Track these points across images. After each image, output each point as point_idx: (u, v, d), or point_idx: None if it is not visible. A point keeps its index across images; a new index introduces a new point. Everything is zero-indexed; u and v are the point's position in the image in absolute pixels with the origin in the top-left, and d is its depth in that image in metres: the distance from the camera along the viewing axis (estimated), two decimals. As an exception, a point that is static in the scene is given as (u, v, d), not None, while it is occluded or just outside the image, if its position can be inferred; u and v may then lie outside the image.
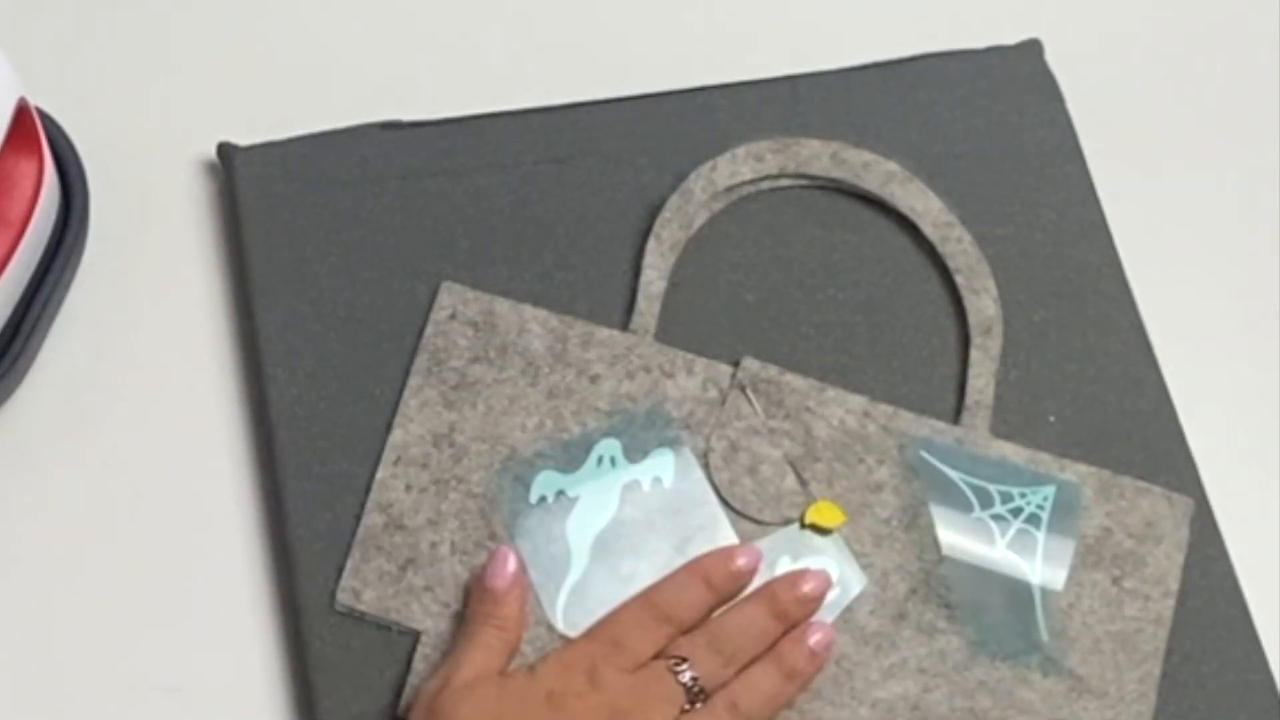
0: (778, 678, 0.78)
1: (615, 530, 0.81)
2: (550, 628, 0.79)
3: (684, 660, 0.77)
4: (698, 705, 0.76)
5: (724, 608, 0.80)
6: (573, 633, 0.79)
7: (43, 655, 0.80)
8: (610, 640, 0.77)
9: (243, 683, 0.80)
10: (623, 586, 0.80)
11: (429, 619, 0.79)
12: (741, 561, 0.79)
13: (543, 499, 0.81)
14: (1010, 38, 0.93)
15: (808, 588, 0.79)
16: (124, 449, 0.83)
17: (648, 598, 0.78)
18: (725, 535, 0.81)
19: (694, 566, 0.79)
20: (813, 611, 0.80)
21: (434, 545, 0.80)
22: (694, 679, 0.76)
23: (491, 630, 0.77)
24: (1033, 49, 0.92)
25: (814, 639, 0.79)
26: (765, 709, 0.77)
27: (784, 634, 0.79)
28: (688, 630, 0.78)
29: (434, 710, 0.75)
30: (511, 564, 0.78)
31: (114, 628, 0.80)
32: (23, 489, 0.82)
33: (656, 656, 0.77)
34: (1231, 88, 0.95)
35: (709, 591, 0.79)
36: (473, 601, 0.78)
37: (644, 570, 0.80)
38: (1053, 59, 0.92)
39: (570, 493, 0.81)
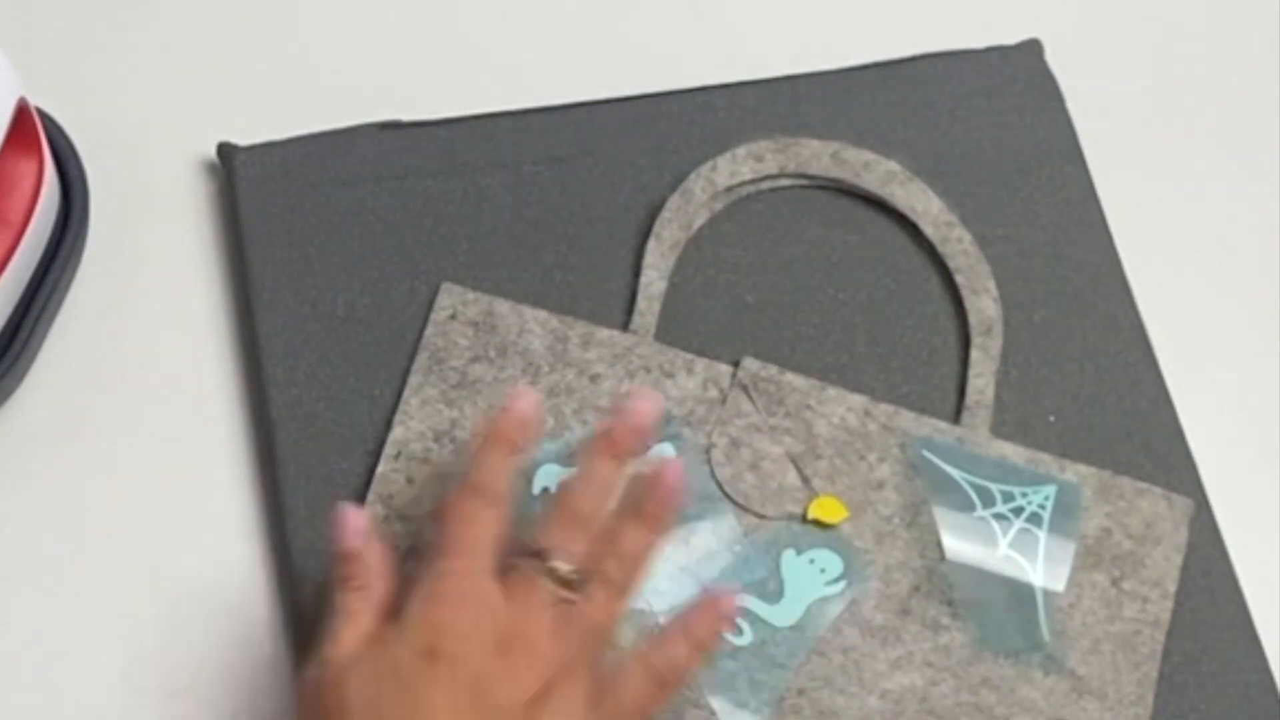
0: (642, 532, 0.74)
1: (618, 521, 0.81)
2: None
3: (548, 553, 0.72)
4: (575, 592, 0.72)
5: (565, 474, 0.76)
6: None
7: (42, 655, 0.80)
8: (454, 549, 0.72)
9: (243, 683, 0.80)
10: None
11: (433, 605, 0.79)
12: (522, 405, 0.76)
13: (545, 490, 0.81)
14: (1010, 38, 0.93)
15: (639, 415, 0.75)
16: (124, 449, 0.83)
17: (464, 485, 0.74)
18: (729, 527, 0.81)
19: (489, 437, 0.75)
20: (649, 437, 0.76)
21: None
22: (564, 570, 0.72)
23: (353, 594, 0.73)
24: (1033, 49, 0.93)
25: (666, 480, 0.74)
26: (636, 569, 0.74)
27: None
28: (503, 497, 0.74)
29: (319, 698, 0.71)
30: (358, 520, 0.74)
31: (114, 628, 0.80)
32: (23, 489, 0.82)
33: (530, 554, 0.73)
34: (1232, 88, 0.95)
35: (511, 454, 0.75)
36: (333, 572, 0.74)
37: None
38: (1053, 59, 0.93)
39: (573, 484, 0.81)
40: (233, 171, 0.87)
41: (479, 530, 0.73)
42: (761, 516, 0.81)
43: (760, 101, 0.90)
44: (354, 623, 0.72)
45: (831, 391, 0.84)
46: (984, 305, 0.87)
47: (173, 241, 0.87)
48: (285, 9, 0.93)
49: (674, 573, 0.80)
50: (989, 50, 0.93)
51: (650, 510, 0.74)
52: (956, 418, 0.85)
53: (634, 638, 0.78)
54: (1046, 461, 0.83)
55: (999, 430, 0.85)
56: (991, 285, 0.87)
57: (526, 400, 0.76)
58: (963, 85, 0.92)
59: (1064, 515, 0.82)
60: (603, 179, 0.88)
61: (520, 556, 0.73)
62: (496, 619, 0.71)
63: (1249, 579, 0.84)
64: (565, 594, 0.72)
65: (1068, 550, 0.82)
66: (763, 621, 0.80)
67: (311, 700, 0.71)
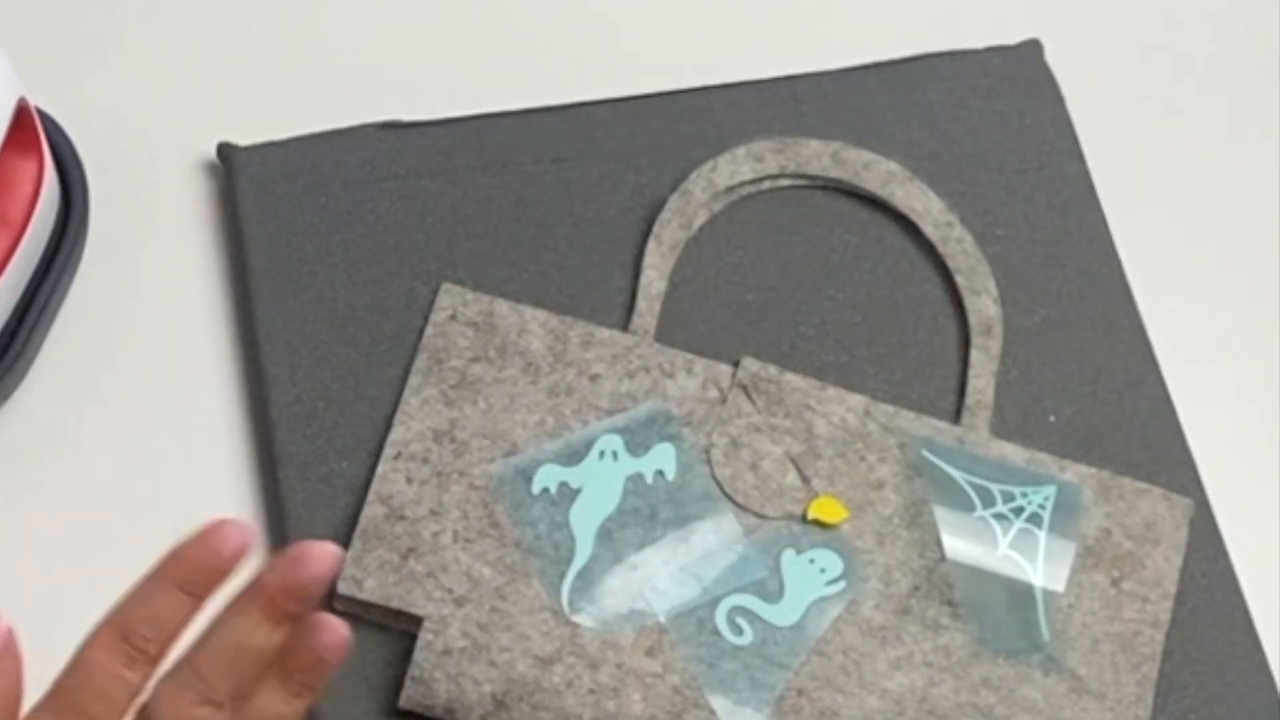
0: (280, 700, 0.63)
1: (619, 520, 0.81)
2: (556, 613, 0.79)
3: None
4: None
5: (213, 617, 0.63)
6: (578, 618, 0.78)
7: (41, 655, 0.80)
8: (74, 707, 0.62)
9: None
10: (627, 574, 0.80)
11: (431, 604, 0.78)
12: (228, 550, 0.61)
13: (545, 490, 0.81)
14: (1010, 38, 0.93)
15: (307, 574, 0.62)
16: (124, 449, 0.83)
17: (112, 623, 0.63)
18: (729, 527, 0.81)
19: (165, 568, 0.62)
20: (317, 598, 0.63)
21: (436, 534, 0.80)
22: None
23: None
24: (1033, 49, 0.93)
25: (323, 640, 0.63)
26: None
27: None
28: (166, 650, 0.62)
29: None
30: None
31: (114, 628, 0.80)
32: (23, 489, 0.82)
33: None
34: (1232, 88, 0.95)
35: (188, 600, 0.62)
36: None
37: (649, 559, 0.80)
38: (1053, 59, 0.93)
39: (573, 484, 0.81)
40: (233, 171, 0.87)
41: (116, 689, 0.63)
42: (761, 516, 0.81)
43: (760, 101, 0.90)
44: None
45: (831, 391, 0.84)
46: (984, 305, 0.87)
47: (173, 241, 0.87)
48: (286, 9, 0.93)
49: (674, 573, 0.80)
50: (989, 50, 0.93)
51: (301, 680, 0.63)
52: (956, 418, 0.85)
53: (633, 638, 0.78)
54: (1046, 461, 0.83)
55: (999, 430, 0.85)
56: (991, 285, 0.87)
57: (238, 537, 0.62)
58: (963, 85, 0.92)
59: (1064, 515, 0.82)
60: (603, 179, 0.88)
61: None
62: None
63: (1249, 579, 0.84)
64: None
65: (1068, 550, 0.82)
66: (763, 621, 0.80)
67: None
